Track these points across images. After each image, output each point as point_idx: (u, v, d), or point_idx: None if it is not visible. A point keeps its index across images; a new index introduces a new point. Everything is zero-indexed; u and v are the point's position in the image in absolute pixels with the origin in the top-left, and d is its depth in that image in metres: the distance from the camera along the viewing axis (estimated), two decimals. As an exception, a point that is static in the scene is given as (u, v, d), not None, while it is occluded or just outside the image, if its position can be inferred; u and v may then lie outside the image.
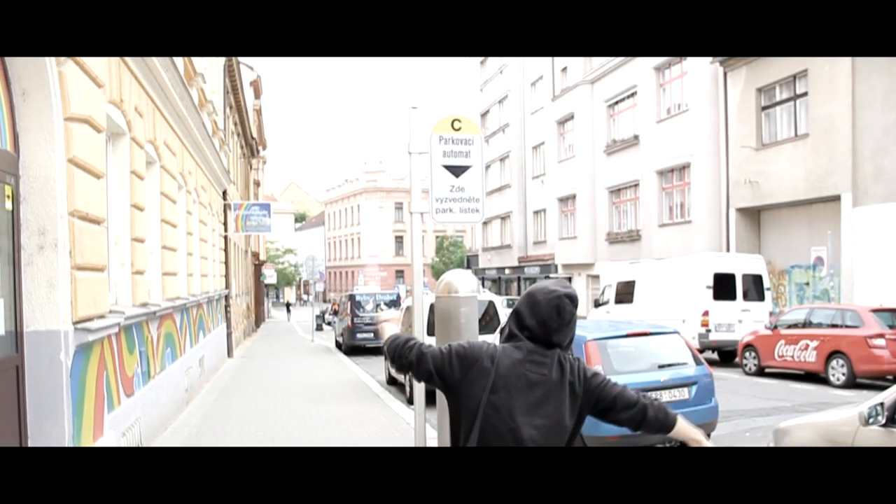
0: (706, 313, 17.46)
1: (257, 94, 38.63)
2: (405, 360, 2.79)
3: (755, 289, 18.10)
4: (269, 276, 41.52)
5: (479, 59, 46.40)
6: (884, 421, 4.48)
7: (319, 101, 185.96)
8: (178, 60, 10.35)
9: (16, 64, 4.94)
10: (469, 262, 48.06)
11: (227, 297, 19.23)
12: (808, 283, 20.30)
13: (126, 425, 7.24)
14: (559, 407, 2.66)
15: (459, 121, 7.83)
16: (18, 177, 5.01)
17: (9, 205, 4.88)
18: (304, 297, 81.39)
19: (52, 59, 5.05)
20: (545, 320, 2.67)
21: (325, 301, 49.27)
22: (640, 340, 8.70)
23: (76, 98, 5.43)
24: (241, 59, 24.98)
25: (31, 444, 4.98)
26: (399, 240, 77.66)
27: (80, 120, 5.51)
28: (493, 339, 10.77)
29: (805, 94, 19.51)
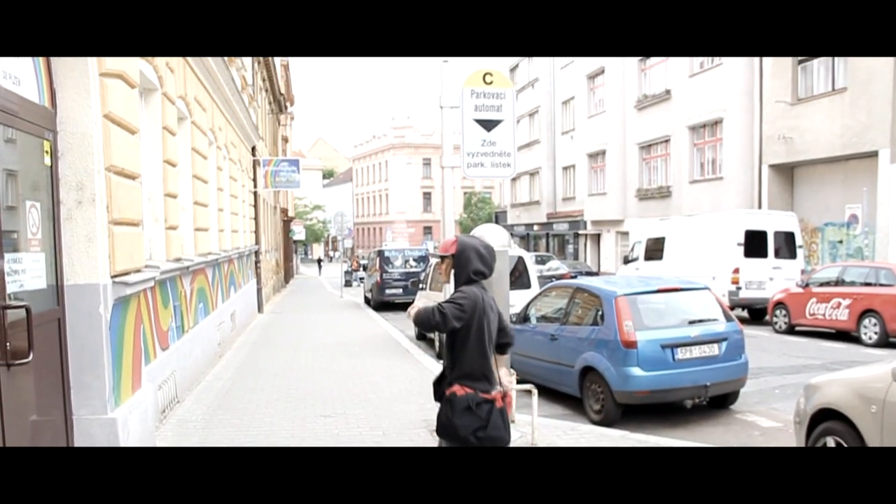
0: (737, 270, 17.31)
1: (285, 50, 38.39)
2: (433, 322, 3.83)
3: (787, 246, 17.87)
4: (298, 232, 41.79)
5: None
6: (919, 378, 4.45)
7: (347, 57, 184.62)
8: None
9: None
10: (497, 219, 47.94)
11: (257, 253, 19.43)
12: (841, 241, 20.01)
13: (162, 378, 7.41)
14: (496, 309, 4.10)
15: (491, 74, 7.78)
16: (56, 132, 5.07)
17: (48, 160, 4.95)
18: (332, 253, 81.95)
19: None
20: (491, 266, 4.03)
21: (355, 257, 49.54)
22: (670, 296, 8.69)
23: (110, 53, 5.46)
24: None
25: (72, 395, 5.12)
26: (427, 196, 77.59)
27: (114, 75, 5.54)
28: (523, 294, 10.74)
29: (844, 46, 19.00)
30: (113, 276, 5.44)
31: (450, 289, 4.40)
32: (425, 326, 3.90)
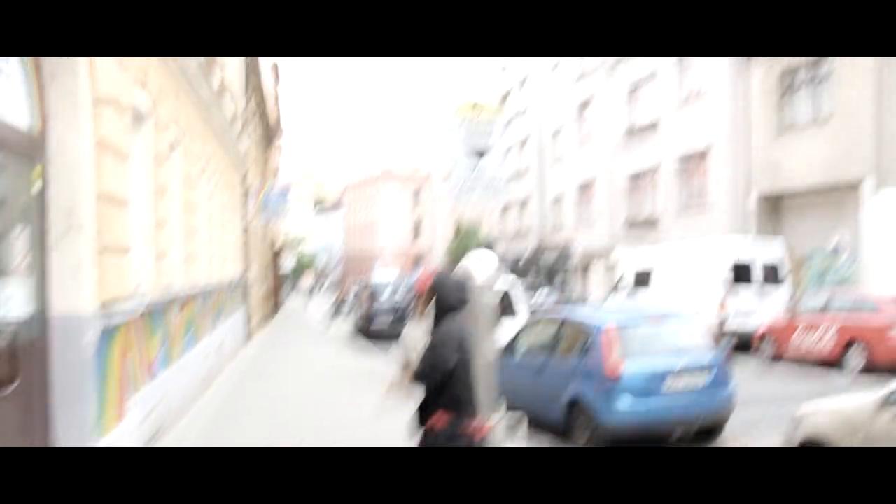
0: (724, 299, 17.38)
1: (276, 81, 38.69)
2: (434, 378, 3.92)
3: (773, 275, 17.98)
4: (287, 262, 41.70)
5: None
6: (903, 405, 4.49)
7: (338, 87, 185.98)
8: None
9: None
10: (487, 249, 47.98)
11: (245, 283, 19.38)
12: (828, 270, 20.14)
13: (148, 408, 7.36)
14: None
15: (481, 104, 7.87)
16: (47, 158, 5.09)
17: (38, 186, 4.97)
18: (321, 283, 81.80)
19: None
20: (466, 297, 4.17)
21: (344, 287, 49.47)
22: (657, 325, 8.69)
23: (104, 80, 5.50)
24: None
25: (56, 424, 5.08)
26: (416, 225, 77.65)
27: (107, 102, 5.58)
28: (509, 324, 10.73)
29: (828, 77, 19.30)
30: (100, 305, 5.43)
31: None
32: (430, 383, 3.98)
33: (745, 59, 22.35)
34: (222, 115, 13.31)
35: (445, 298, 4.11)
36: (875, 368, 12.99)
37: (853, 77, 18.21)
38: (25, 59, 4.84)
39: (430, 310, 4.18)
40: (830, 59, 19.00)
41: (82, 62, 5.17)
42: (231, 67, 15.99)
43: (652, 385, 7.79)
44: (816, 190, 19.99)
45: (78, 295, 5.16)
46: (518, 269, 42.65)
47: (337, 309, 34.29)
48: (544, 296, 28.56)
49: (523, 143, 41.71)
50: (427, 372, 3.92)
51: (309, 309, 44.92)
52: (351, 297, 35.92)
